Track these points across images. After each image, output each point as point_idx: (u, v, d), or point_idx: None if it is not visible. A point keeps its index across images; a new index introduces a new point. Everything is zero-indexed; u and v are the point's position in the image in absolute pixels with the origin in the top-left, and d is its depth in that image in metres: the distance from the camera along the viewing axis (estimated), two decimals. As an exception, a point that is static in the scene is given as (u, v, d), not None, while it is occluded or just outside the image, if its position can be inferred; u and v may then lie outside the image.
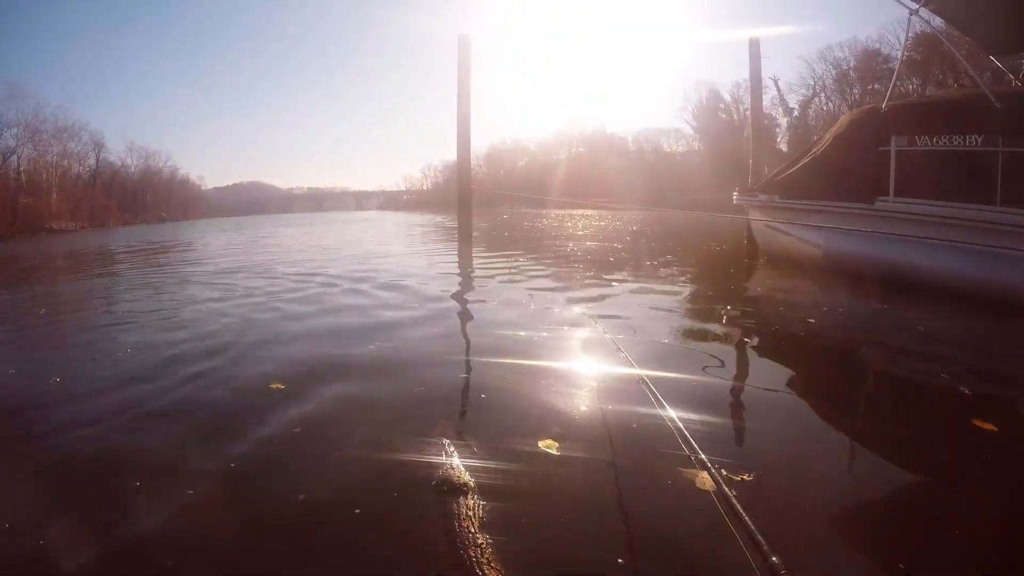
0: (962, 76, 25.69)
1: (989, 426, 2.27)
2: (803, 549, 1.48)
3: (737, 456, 2.00)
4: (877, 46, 37.58)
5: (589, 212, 24.70)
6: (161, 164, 70.25)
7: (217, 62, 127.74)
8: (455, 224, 11.75)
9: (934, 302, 4.81)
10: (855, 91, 38.91)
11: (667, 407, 2.41)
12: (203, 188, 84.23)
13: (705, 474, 1.82)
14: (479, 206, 38.56)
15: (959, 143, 5.27)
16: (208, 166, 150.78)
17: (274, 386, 2.87)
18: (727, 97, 45.93)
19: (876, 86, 37.04)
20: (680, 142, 48.24)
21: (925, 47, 28.12)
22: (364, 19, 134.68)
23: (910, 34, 6.23)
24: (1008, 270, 4.76)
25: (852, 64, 39.48)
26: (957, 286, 5.00)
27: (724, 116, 45.90)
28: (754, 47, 10.20)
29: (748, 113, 37.54)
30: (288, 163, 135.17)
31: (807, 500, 1.74)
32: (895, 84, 11.61)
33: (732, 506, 1.60)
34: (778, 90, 42.04)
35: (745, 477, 1.81)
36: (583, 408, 2.49)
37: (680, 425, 2.21)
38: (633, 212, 22.55)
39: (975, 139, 5.15)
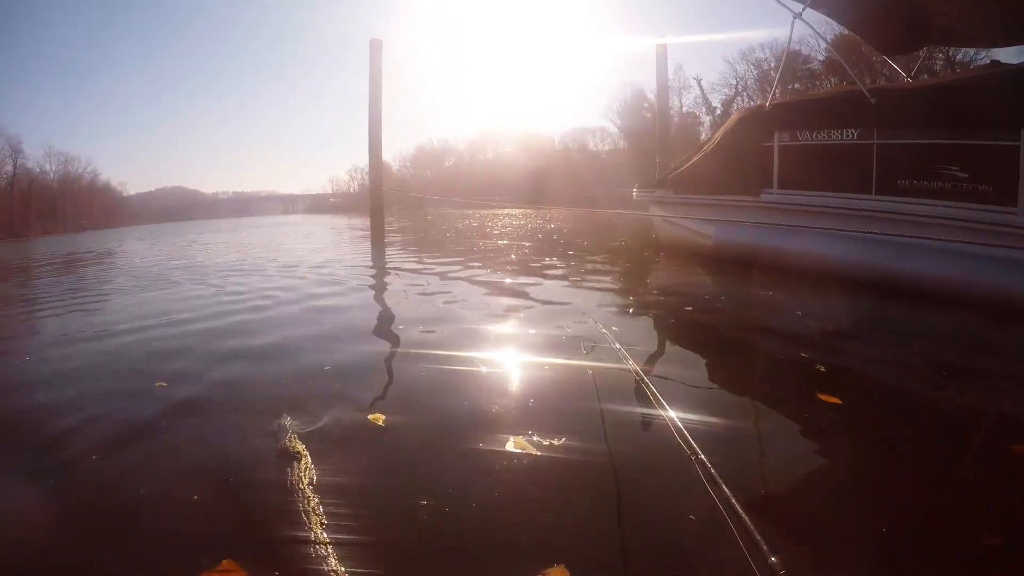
0: (879, 76, 26.79)
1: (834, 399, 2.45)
2: (803, 549, 1.45)
3: (735, 454, 1.99)
4: (798, 47, 39.00)
5: (513, 211, 24.80)
6: (81, 170, 66.67)
7: (136, 64, 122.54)
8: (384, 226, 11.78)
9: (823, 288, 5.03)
10: (776, 91, 40.12)
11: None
12: (125, 194, 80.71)
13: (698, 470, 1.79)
14: (407, 207, 38.35)
15: (837, 137, 5.53)
16: (129, 172, 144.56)
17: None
18: (651, 96, 46.69)
19: (796, 85, 38.36)
20: (606, 141, 49.04)
21: (843, 48, 29.21)
22: (287, 20, 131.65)
23: (794, 36, 6.35)
24: (884, 254, 5.03)
25: (773, 64, 40.78)
26: (840, 271, 5.25)
27: (648, 115, 46.66)
28: (661, 53, 10.56)
29: (670, 112, 38.45)
30: (212, 167, 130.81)
31: (807, 500, 1.73)
32: (777, 84, 12.15)
33: (732, 506, 1.56)
34: (701, 90, 43.11)
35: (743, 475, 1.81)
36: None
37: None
38: (554, 210, 22.77)
39: (852, 133, 5.40)
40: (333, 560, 1.37)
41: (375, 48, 10.90)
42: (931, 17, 6.25)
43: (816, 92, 12.10)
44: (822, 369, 2.93)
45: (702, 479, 1.73)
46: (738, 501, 1.56)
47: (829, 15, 7.19)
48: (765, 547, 1.37)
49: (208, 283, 6.92)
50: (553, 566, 1.36)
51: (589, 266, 7.16)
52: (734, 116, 7.07)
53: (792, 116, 6.12)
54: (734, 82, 42.81)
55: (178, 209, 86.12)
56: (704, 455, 1.82)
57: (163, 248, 16.00)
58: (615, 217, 14.53)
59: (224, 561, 1.37)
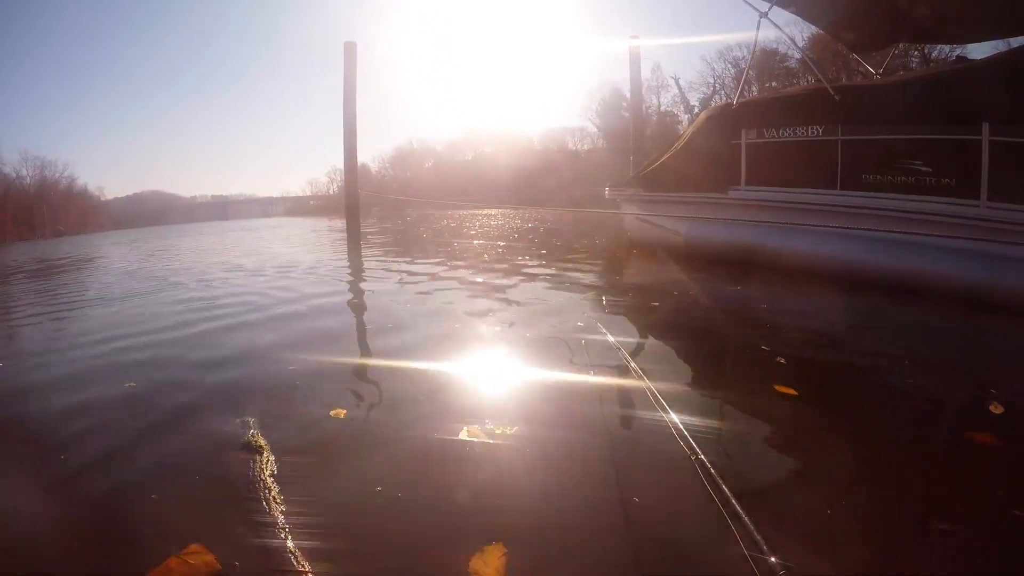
0: (856, 74, 26.98)
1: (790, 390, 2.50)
2: (803, 549, 1.44)
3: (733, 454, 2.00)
4: (775, 46, 39.24)
5: (492, 211, 24.80)
6: (58, 175, 65.06)
7: (113, 68, 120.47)
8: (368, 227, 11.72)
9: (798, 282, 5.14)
10: (753, 89, 40.49)
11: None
12: (102, 199, 79.27)
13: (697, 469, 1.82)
14: (387, 208, 38.15)
15: (803, 134, 5.60)
16: (107, 176, 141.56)
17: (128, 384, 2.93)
18: (629, 95, 46.73)
19: (774, 83, 38.64)
20: (585, 140, 49.09)
21: (819, 46, 29.44)
22: (266, 20, 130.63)
23: (759, 36, 6.41)
24: (849, 248, 5.10)
25: (749, 63, 40.96)
26: (807, 265, 5.34)
27: (627, 114, 46.77)
28: (634, 54, 10.66)
29: (648, 111, 38.61)
30: (191, 170, 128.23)
31: (807, 500, 1.72)
32: (745, 82, 12.32)
33: (731, 506, 1.56)
34: (679, 88, 43.30)
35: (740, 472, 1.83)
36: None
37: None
38: (533, 210, 22.81)
39: (816, 130, 5.46)
40: (291, 543, 1.48)
41: (350, 51, 10.87)
42: (900, 15, 6.31)
43: (783, 90, 12.27)
44: (781, 361, 2.98)
45: (702, 479, 1.75)
46: (738, 501, 1.58)
47: (798, 14, 7.24)
48: (765, 547, 1.38)
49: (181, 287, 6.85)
50: (491, 543, 1.46)
51: (559, 264, 7.16)
52: (702, 115, 7.13)
53: (759, 114, 6.20)
54: (712, 81, 43.02)
55: (156, 213, 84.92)
56: (704, 455, 1.85)
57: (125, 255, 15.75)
58: (591, 215, 14.56)
59: (191, 545, 1.47)
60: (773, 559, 1.36)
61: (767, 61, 39.61)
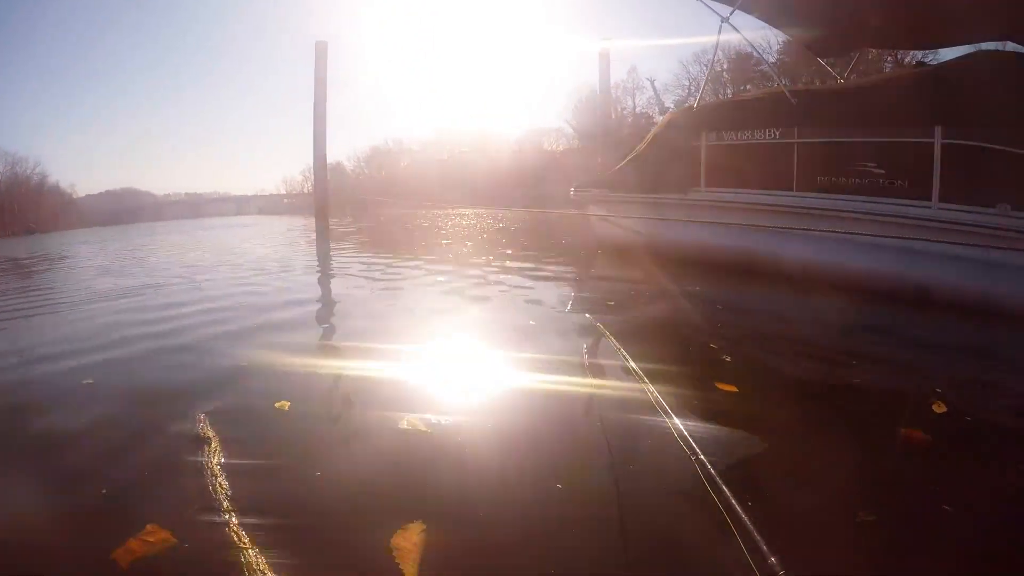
0: (829, 77, 27.19)
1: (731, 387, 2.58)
2: (803, 549, 1.45)
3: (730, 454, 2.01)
4: (749, 50, 39.58)
5: (466, 211, 24.81)
6: (29, 171, 63.46)
7: (86, 61, 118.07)
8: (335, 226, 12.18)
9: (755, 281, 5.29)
10: (728, 91, 40.83)
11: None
12: (74, 196, 77.59)
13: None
14: (361, 207, 37.83)
15: (760, 137, 5.67)
16: (79, 172, 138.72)
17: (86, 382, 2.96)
18: (599, 97, 46.82)
19: (748, 87, 39.00)
20: (561, 141, 49.10)
21: (794, 50, 29.78)
22: (241, 16, 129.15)
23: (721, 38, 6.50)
24: (805, 248, 5.22)
25: (726, 66, 41.35)
26: (765, 265, 5.46)
27: (609, 115, 46.83)
28: (603, 56, 10.80)
29: (624, 112, 38.80)
30: (164, 168, 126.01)
31: (807, 500, 1.72)
32: (706, 85, 12.53)
33: (731, 506, 1.57)
34: (654, 90, 42.99)
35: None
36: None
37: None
38: (504, 211, 22.87)
39: (774, 133, 5.52)
40: (234, 521, 1.61)
41: (321, 51, 10.83)
42: (863, 20, 6.39)
43: (741, 95, 12.50)
44: (727, 359, 3.03)
45: (702, 479, 1.76)
46: (738, 501, 1.59)
47: (761, 18, 7.32)
48: (765, 547, 1.39)
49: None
50: (413, 522, 1.58)
51: (521, 263, 7.21)
52: (665, 117, 7.26)
53: (718, 117, 6.34)
54: (687, 83, 43.34)
55: (128, 211, 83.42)
56: (704, 455, 1.86)
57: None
58: (561, 215, 14.62)
59: (148, 526, 1.58)
60: (773, 559, 1.36)
61: (742, 64, 40.02)
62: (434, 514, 1.63)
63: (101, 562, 1.47)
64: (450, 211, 25.31)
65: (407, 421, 2.26)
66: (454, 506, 1.71)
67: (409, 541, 1.51)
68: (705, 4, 6.34)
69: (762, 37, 36.83)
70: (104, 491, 1.82)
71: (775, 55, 32.65)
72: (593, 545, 1.53)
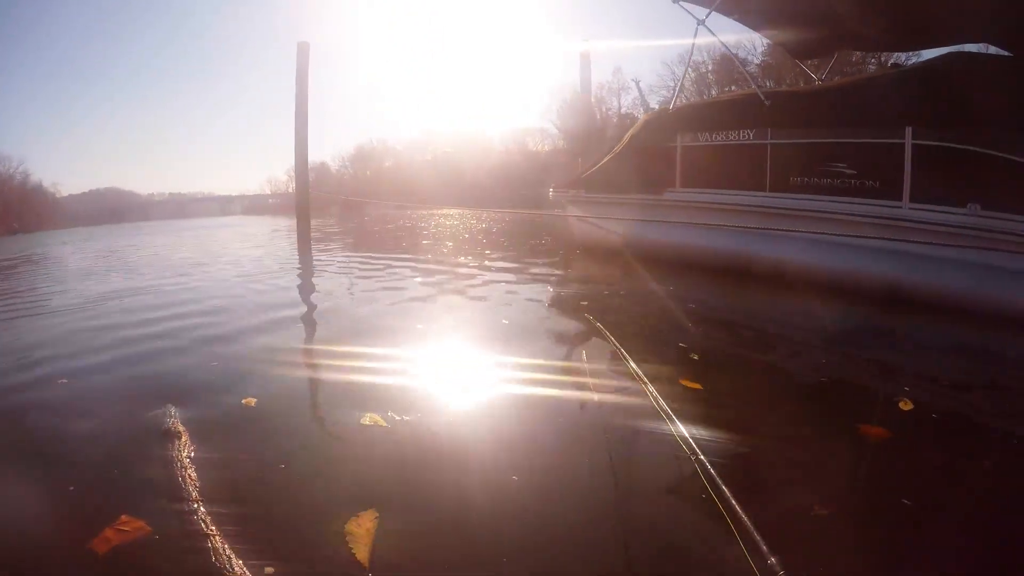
0: (811, 79, 27.27)
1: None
2: (803, 549, 1.45)
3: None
4: (736, 51, 39.67)
5: (452, 211, 24.77)
6: (12, 170, 62.18)
7: (70, 60, 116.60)
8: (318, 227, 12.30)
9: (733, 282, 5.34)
10: (713, 92, 40.90)
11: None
12: (58, 196, 76.55)
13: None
14: (346, 207, 37.66)
15: (734, 138, 5.72)
16: (63, 172, 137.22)
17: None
18: (591, 98, 46.84)
19: (734, 88, 39.14)
20: (546, 141, 49.07)
21: (777, 52, 29.92)
22: (225, 16, 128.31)
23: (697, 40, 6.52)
24: (779, 248, 5.23)
25: (710, 67, 41.47)
26: (739, 264, 5.48)
27: (591, 116, 46.82)
28: (584, 58, 10.86)
29: (609, 112, 38.83)
30: (148, 167, 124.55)
31: (807, 500, 1.71)
32: (683, 86, 12.64)
33: (731, 506, 1.58)
34: (639, 91, 43.10)
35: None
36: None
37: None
38: (486, 211, 22.92)
39: (748, 134, 5.56)
40: (202, 511, 1.69)
41: (302, 51, 10.72)
42: (839, 23, 6.42)
43: (715, 97, 12.72)
44: (695, 357, 3.04)
45: (702, 479, 1.77)
46: (738, 501, 1.60)
47: (740, 21, 7.35)
48: (765, 547, 1.39)
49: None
50: (366, 510, 1.66)
51: (500, 263, 7.25)
52: (641, 119, 7.28)
53: (693, 118, 6.36)
54: (672, 84, 43.40)
55: (112, 212, 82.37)
56: (704, 455, 1.87)
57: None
58: (543, 215, 14.68)
59: (122, 516, 1.65)
60: (773, 559, 1.37)
61: (728, 65, 40.17)
62: (387, 503, 1.71)
63: (80, 552, 1.53)
64: (435, 211, 25.28)
65: (369, 417, 2.33)
66: (407, 496, 1.78)
67: (362, 528, 1.60)
68: (682, 7, 6.37)
69: (747, 39, 37.04)
70: (71, 488, 1.88)
71: (760, 57, 32.88)
72: (544, 537, 1.57)
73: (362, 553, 1.49)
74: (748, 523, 1.49)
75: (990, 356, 3.45)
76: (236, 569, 1.44)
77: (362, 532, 1.58)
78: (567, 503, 1.73)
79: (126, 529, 1.60)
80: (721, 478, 1.76)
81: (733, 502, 1.60)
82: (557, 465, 1.97)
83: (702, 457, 1.88)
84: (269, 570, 1.44)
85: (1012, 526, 1.62)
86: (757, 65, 38.67)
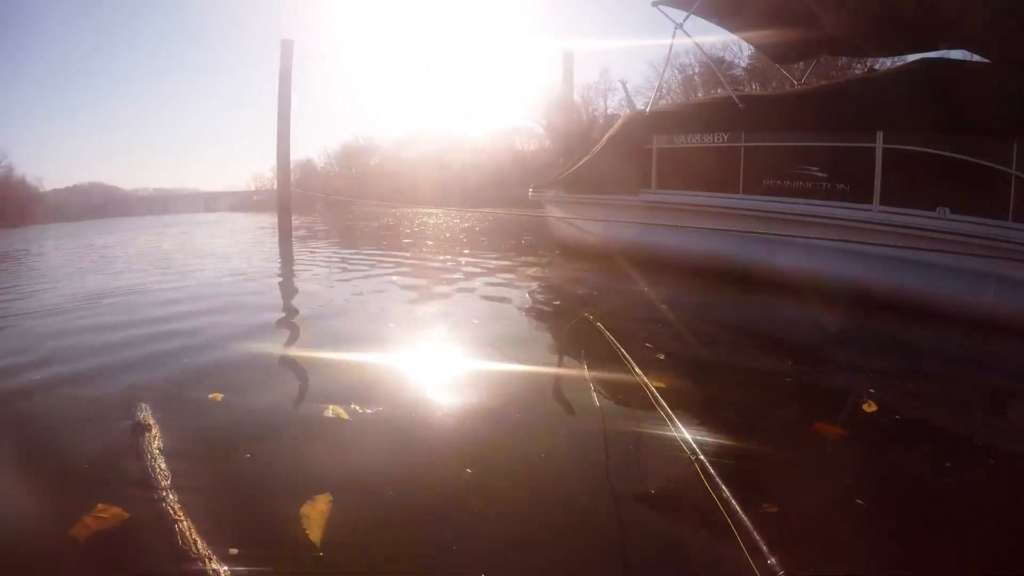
0: (795, 83, 27.42)
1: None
2: (803, 549, 1.47)
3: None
4: (721, 54, 39.83)
5: (435, 210, 24.81)
6: None
7: (54, 52, 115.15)
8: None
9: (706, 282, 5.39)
10: (699, 93, 41.00)
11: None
12: (41, 190, 75.52)
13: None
14: (332, 205, 37.54)
15: (709, 140, 5.77)
16: (46, 166, 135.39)
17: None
18: (577, 98, 46.85)
19: (719, 90, 39.21)
20: (532, 141, 49.05)
21: (763, 56, 30.00)
22: (212, 11, 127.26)
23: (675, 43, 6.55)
24: (750, 250, 5.29)
25: (697, 69, 41.62)
26: (711, 266, 5.52)
27: (574, 116, 46.73)
28: (567, 59, 10.95)
29: (595, 113, 38.83)
30: (132, 162, 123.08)
31: (807, 501, 1.74)
32: (659, 90, 12.77)
33: (731, 506, 1.56)
34: (626, 92, 43.21)
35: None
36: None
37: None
38: (469, 211, 23.02)
39: (722, 137, 5.60)
40: (171, 497, 1.76)
41: (286, 49, 10.71)
42: (817, 28, 6.45)
43: (691, 100, 12.94)
44: (661, 357, 3.00)
45: (702, 479, 1.76)
46: (738, 501, 1.58)
47: (720, 25, 7.40)
48: (765, 547, 1.37)
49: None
50: (321, 494, 1.75)
51: (477, 260, 7.33)
52: (619, 121, 7.31)
53: (669, 120, 6.41)
54: (659, 85, 43.44)
55: (96, 207, 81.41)
56: (704, 455, 1.86)
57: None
58: (525, 215, 14.74)
59: (98, 504, 1.72)
60: (773, 560, 1.35)
61: (713, 68, 40.21)
62: (342, 488, 1.80)
63: (62, 538, 1.59)
64: (420, 210, 25.33)
65: (331, 410, 2.41)
66: (362, 482, 1.87)
67: (316, 511, 1.69)
68: (661, 10, 6.39)
69: (735, 42, 37.24)
70: (50, 480, 1.95)
71: (747, 60, 32.95)
72: (498, 529, 1.64)
73: (315, 534, 1.59)
74: (748, 523, 1.48)
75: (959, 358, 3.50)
76: (203, 551, 1.52)
77: (316, 515, 1.68)
78: (565, 503, 1.77)
79: (104, 516, 1.68)
80: (721, 478, 1.75)
81: (733, 502, 1.59)
82: (516, 450, 2.07)
83: (702, 457, 1.87)
84: (233, 551, 1.51)
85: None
86: (744, 68, 38.84)
